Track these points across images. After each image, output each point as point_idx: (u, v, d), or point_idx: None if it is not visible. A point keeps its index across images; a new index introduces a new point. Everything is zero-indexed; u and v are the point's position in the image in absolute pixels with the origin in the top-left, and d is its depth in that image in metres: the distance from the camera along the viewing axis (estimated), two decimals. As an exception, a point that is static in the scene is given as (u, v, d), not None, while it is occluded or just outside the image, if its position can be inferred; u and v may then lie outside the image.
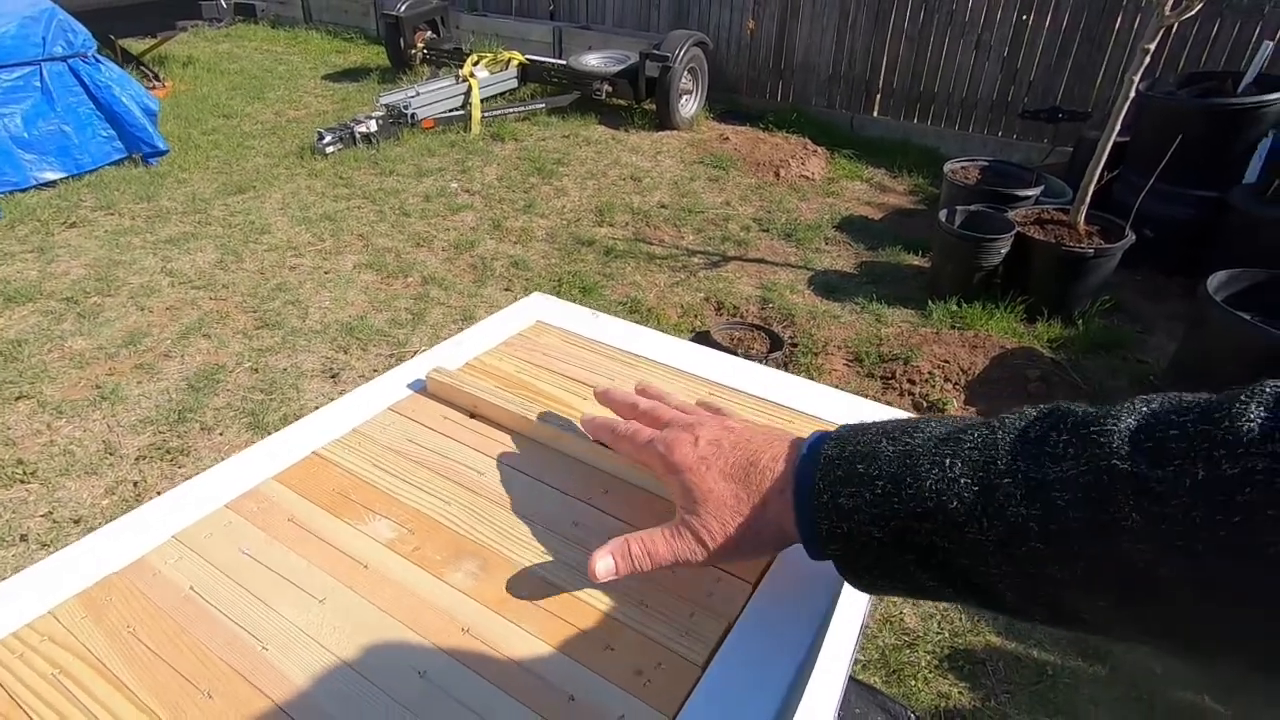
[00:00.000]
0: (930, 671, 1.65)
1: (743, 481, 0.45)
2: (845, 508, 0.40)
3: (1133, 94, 2.64)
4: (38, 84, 3.70)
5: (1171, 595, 0.30)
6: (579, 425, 0.61)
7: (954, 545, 0.36)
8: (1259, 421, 0.29)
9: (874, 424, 0.43)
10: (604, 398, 0.60)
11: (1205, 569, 0.29)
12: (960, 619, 1.77)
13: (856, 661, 1.55)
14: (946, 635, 1.74)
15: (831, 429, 0.45)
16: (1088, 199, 2.86)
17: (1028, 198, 3.23)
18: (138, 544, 0.53)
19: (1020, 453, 0.35)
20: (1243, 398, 0.30)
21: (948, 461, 0.37)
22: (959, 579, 0.38)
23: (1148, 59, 2.57)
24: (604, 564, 0.46)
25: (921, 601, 0.44)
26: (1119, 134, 2.73)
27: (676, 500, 0.48)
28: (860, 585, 0.43)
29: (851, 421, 0.45)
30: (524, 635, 0.47)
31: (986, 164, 3.62)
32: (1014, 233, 2.89)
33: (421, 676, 0.44)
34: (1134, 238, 2.84)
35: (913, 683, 1.63)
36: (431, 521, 0.56)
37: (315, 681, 0.44)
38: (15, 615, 0.47)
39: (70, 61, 3.80)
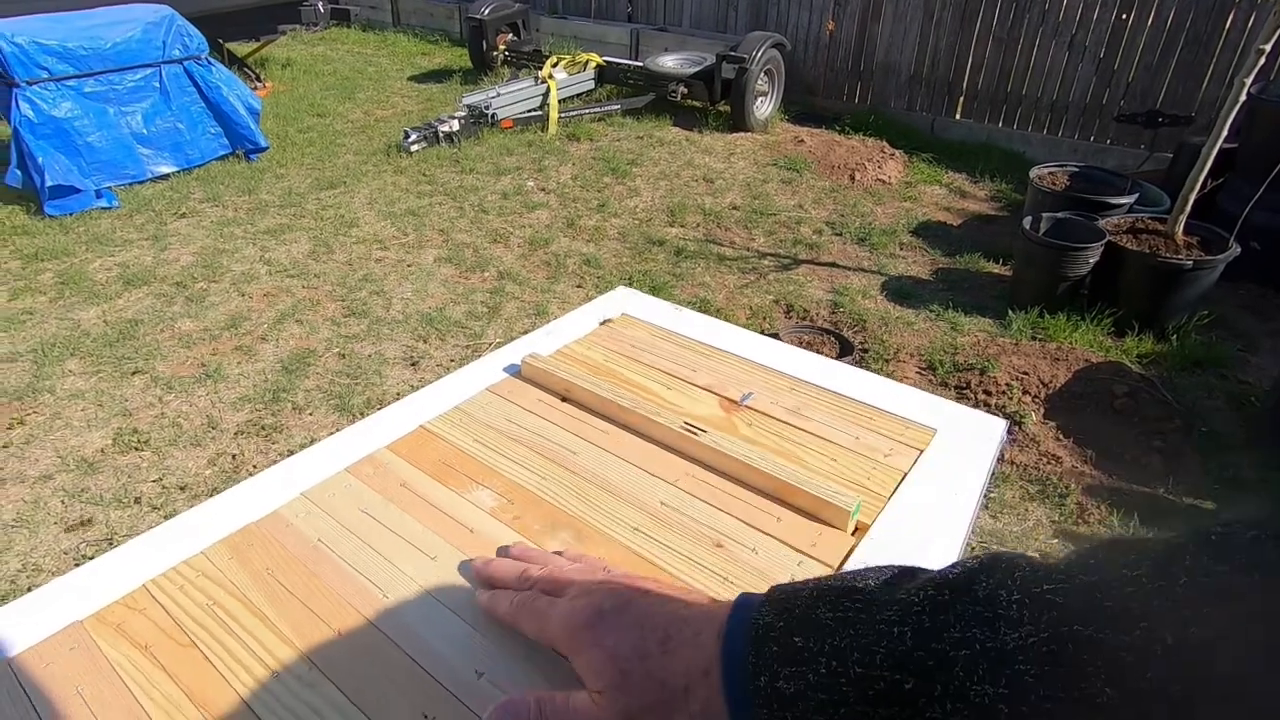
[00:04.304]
0: None
1: (657, 660, 0.38)
2: (787, 694, 0.33)
3: (1243, 97, 2.48)
4: (157, 85, 4.00)
5: None
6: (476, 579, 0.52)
7: None
8: (1217, 576, 0.26)
9: (808, 584, 0.37)
10: (488, 572, 0.51)
11: None
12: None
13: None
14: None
15: (757, 593, 0.39)
16: (1188, 208, 2.70)
17: (1120, 206, 3.08)
18: (272, 499, 0.59)
19: (973, 617, 0.30)
20: (1192, 547, 0.27)
21: (895, 630, 0.32)
22: None
23: (1262, 60, 2.42)
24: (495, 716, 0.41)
25: None
26: (1226, 140, 2.57)
27: (584, 680, 0.41)
28: None
29: (804, 585, 0.37)
30: (616, 601, 0.50)
31: (1076, 170, 3.46)
32: (1104, 242, 2.77)
33: (524, 630, 0.48)
34: (1239, 250, 2.67)
35: None
36: (529, 494, 0.60)
37: (432, 628, 0.48)
38: (173, 554, 0.54)
39: (186, 64, 4.09)
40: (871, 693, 0.31)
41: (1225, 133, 2.54)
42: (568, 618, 0.43)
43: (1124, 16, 4.16)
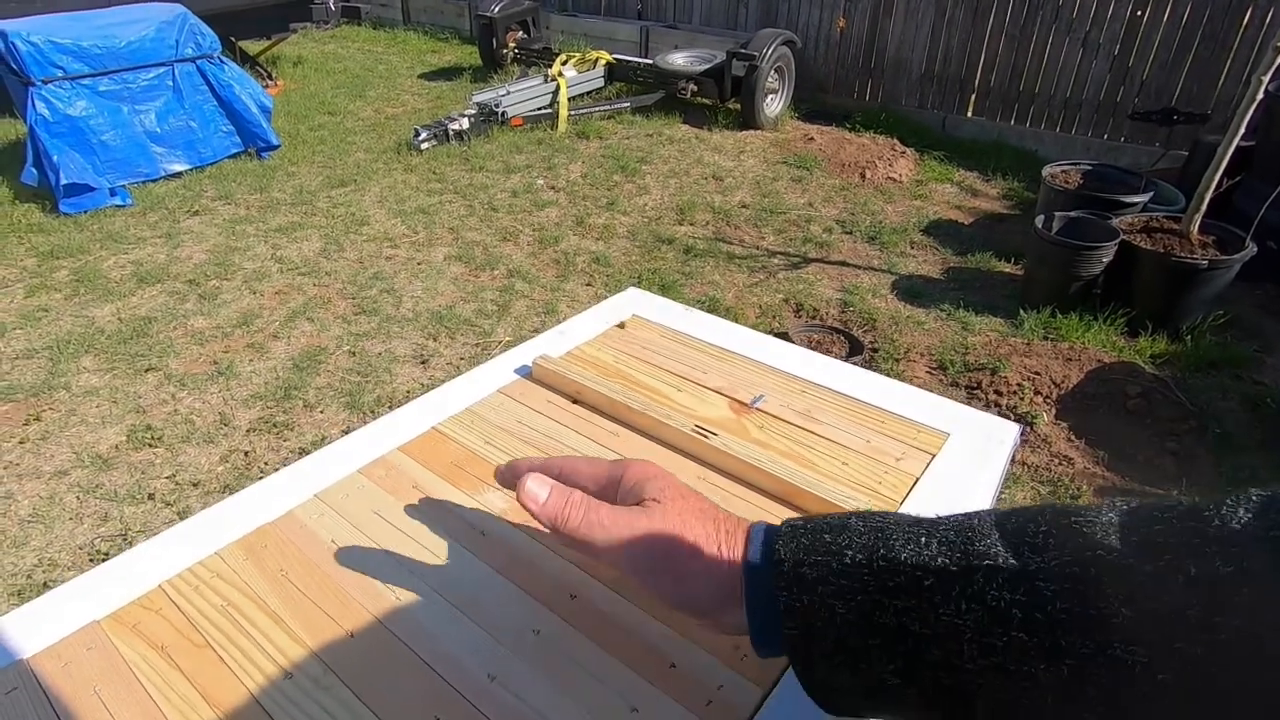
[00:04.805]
0: None
1: (712, 507, 0.43)
2: (808, 578, 0.35)
3: (1261, 95, 2.45)
4: (170, 83, 4.03)
5: (1168, 703, 0.27)
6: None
7: (927, 630, 0.32)
8: (1246, 522, 0.27)
9: (837, 513, 0.40)
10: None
11: (1202, 673, 0.26)
12: None
13: None
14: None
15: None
16: (1203, 207, 2.68)
17: (1135, 204, 3.05)
18: (286, 500, 0.60)
19: (999, 541, 0.33)
20: (1229, 501, 0.29)
21: (924, 540, 0.34)
22: (928, 675, 0.33)
23: (1280, 58, 2.39)
24: (536, 484, 0.43)
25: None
26: (1243, 138, 2.54)
27: (645, 498, 0.43)
28: (812, 681, 0.36)
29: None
30: (629, 606, 0.50)
31: (1090, 168, 3.43)
32: (1118, 241, 2.74)
33: (536, 634, 0.48)
34: (1255, 249, 2.64)
35: None
36: (540, 496, 0.60)
37: (443, 630, 0.49)
38: (189, 554, 0.55)
39: (198, 62, 4.12)
40: (891, 584, 0.33)
41: (1242, 131, 2.51)
42: (639, 466, 0.45)
43: (1139, 13, 4.11)
